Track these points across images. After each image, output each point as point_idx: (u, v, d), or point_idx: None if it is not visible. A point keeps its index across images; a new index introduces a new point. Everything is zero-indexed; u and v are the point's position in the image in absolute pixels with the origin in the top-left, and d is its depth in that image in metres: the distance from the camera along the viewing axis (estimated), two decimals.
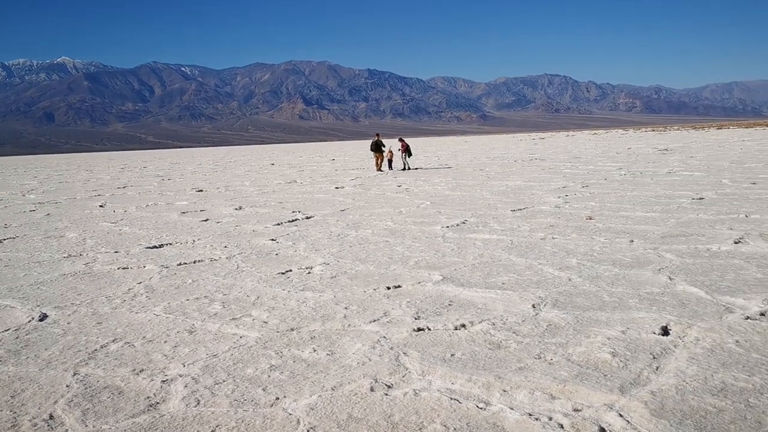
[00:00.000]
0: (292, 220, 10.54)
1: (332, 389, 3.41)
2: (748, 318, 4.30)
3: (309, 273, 6.37)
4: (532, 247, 7.19)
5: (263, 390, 3.44)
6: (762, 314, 4.38)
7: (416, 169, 24.96)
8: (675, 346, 3.83)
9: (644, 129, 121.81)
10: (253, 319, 4.78)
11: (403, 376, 3.57)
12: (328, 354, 3.97)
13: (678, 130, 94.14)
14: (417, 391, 3.34)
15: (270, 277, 6.25)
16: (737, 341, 3.85)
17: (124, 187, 21.96)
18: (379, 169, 24.60)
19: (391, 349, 4.01)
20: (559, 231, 8.26)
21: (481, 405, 3.15)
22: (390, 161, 25.13)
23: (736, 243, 6.89)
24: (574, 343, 3.95)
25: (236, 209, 12.82)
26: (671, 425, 2.82)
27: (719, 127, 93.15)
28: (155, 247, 8.36)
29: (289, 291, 5.63)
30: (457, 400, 3.21)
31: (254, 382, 3.56)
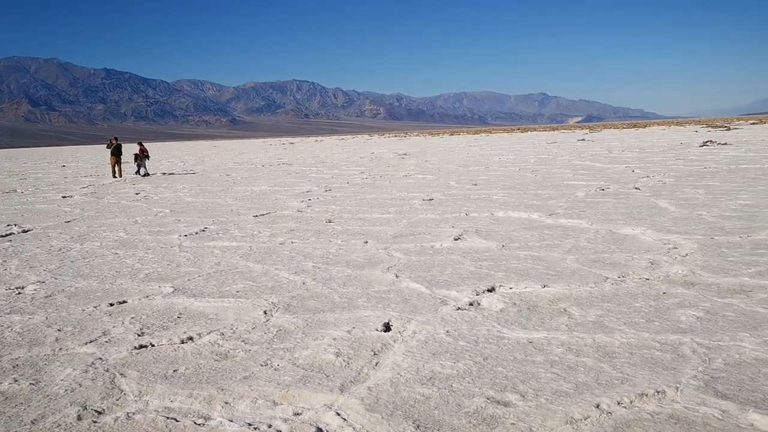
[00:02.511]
0: (5, 235, 9.36)
1: (32, 423, 3.04)
2: (459, 309, 4.70)
3: (19, 294, 5.67)
4: (271, 253, 7.18)
5: None
6: (471, 304, 4.82)
7: (155, 174, 23.81)
8: (394, 341, 4.05)
9: (387, 135, 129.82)
10: None
11: (117, 400, 3.30)
12: (31, 384, 3.54)
13: (417, 135, 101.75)
14: (130, 414, 3.11)
15: None
16: (448, 331, 4.18)
17: None
18: (116, 176, 23.04)
19: (107, 371, 3.69)
20: (298, 235, 8.37)
21: (199, 421, 3.02)
22: (139, 166, 23.67)
23: (456, 240, 7.54)
24: (302, 347, 3.99)
25: None
26: (383, 417, 2.96)
27: (451, 134, 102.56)
28: None
29: None
30: (175, 419, 3.04)
31: None
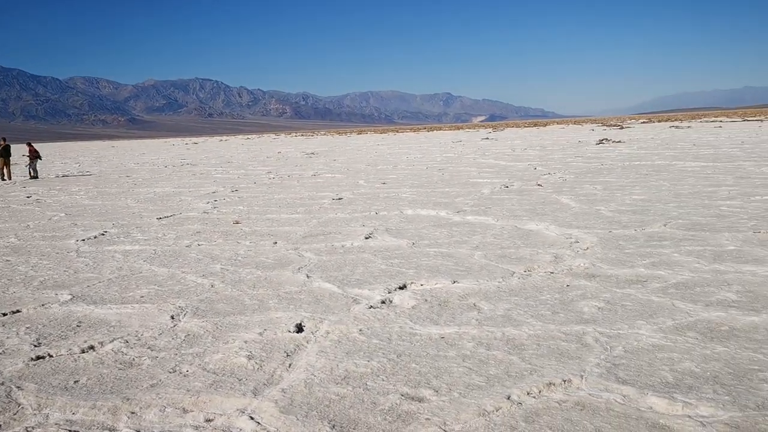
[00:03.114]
0: None
1: None
2: (371, 307, 4.71)
3: None
4: (177, 256, 6.96)
5: None
6: (383, 302, 4.84)
7: (46, 176, 22.62)
8: (307, 342, 4.00)
9: (294, 134, 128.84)
10: None
11: (15, 414, 3.10)
12: None
13: (324, 135, 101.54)
14: (29, 429, 2.93)
15: None
16: (361, 330, 4.18)
17: None
18: (5, 179, 21.74)
19: (2, 384, 3.46)
20: (205, 237, 8.15)
21: None
22: (30, 168, 22.38)
23: (366, 238, 7.55)
24: (212, 351, 3.88)
25: None
26: (298, 419, 2.92)
27: (359, 133, 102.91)
28: None
29: None
30: None
31: None
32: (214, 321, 4.50)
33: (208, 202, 12.20)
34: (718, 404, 2.89)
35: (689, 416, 2.82)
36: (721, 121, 57.51)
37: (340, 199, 11.83)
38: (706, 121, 60.51)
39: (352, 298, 4.99)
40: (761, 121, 53.66)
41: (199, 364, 3.67)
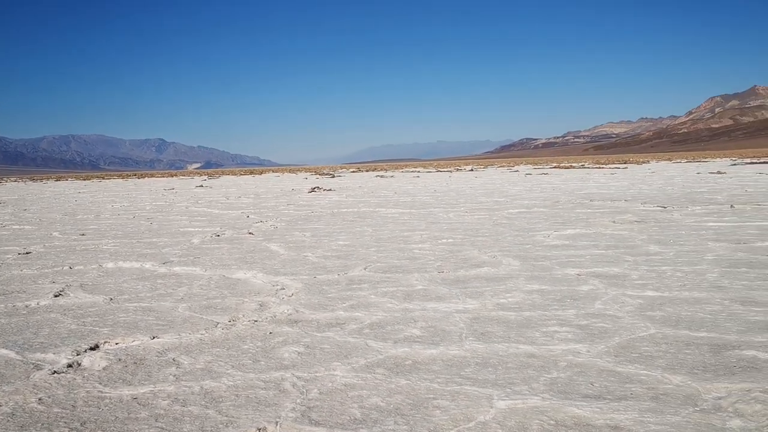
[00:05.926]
0: None
1: None
2: (55, 372, 4.25)
3: None
4: None
5: None
6: (69, 366, 4.40)
7: None
8: None
9: None
10: None
11: None
12: None
13: (15, 181, 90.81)
14: None
15: None
16: (41, 399, 3.74)
17: None
18: None
19: None
20: None
21: None
22: None
23: (56, 296, 6.84)
24: None
25: None
26: None
27: (58, 179, 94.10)
28: None
29: None
30: None
31: None
32: None
33: None
34: None
35: None
36: (419, 171, 63.95)
37: (27, 253, 10.60)
38: (407, 171, 66.82)
39: (33, 364, 4.46)
40: (450, 172, 60.83)
41: None
